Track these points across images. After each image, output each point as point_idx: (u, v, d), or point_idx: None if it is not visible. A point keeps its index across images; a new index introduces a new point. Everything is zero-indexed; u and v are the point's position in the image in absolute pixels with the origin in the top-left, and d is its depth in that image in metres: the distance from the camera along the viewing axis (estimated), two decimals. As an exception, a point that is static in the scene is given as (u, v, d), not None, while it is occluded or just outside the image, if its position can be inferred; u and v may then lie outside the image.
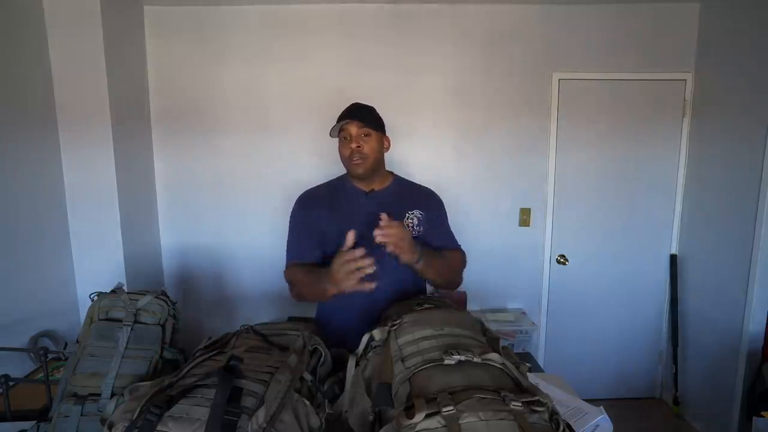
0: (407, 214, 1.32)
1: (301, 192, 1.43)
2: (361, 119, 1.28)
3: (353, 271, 1.05)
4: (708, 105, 2.36)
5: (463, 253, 1.44)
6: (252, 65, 2.37)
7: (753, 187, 2.03)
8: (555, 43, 2.40)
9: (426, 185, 1.48)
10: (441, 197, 1.46)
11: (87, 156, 1.99)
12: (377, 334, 0.90)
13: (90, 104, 1.97)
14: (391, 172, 1.42)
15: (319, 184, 1.44)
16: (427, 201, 1.41)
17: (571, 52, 2.41)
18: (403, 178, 1.45)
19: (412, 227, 1.32)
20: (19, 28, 1.79)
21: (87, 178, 2.01)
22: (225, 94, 2.39)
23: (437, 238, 1.38)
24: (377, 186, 1.36)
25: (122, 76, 2.10)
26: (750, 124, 2.06)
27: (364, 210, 1.31)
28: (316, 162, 2.38)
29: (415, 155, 2.44)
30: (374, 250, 1.23)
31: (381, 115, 1.35)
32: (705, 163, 2.37)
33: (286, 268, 1.36)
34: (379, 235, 1.08)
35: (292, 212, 1.39)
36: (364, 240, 1.26)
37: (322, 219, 1.33)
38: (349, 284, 1.06)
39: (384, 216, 1.10)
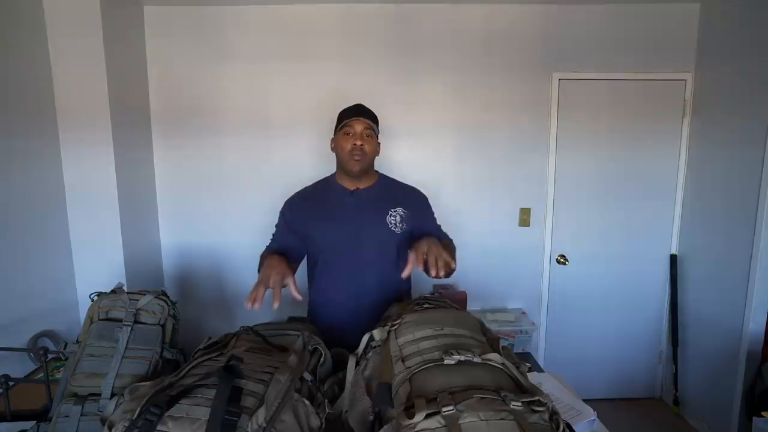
0: (390, 212, 1.35)
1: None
2: (368, 119, 1.32)
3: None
4: (708, 105, 2.35)
5: (452, 241, 1.45)
6: (252, 65, 2.36)
7: (753, 187, 2.03)
8: (555, 43, 2.40)
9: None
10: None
11: (87, 156, 1.99)
12: (377, 334, 0.90)
13: (90, 104, 1.97)
14: (377, 172, 1.44)
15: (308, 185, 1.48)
16: (412, 197, 1.43)
17: (571, 52, 2.41)
18: (388, 177, 1.47)
19: (395, 224, 1.35)
20: (19, 29, 1.79)
21: (87, 178, 2.01)
22: (225, 94, 2.39)
23: (425, 230, 1.39)
24: (362, 185, 1.38)
25: (122, 76, 2.10)
26: (750, 124, 2.06)
27: (347, 207, 1.36)
28: (316, 162, 2.38)
29: (415, 155, 2.43)
30: (358, 247, 1.31)
31: (381, 114, 1.40)
32: (705, 163, 2.37)
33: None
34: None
35: (280, 210, 1.45)
36: (348, 237, 1.30)
37: (306, 220, 1.37)
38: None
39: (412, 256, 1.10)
